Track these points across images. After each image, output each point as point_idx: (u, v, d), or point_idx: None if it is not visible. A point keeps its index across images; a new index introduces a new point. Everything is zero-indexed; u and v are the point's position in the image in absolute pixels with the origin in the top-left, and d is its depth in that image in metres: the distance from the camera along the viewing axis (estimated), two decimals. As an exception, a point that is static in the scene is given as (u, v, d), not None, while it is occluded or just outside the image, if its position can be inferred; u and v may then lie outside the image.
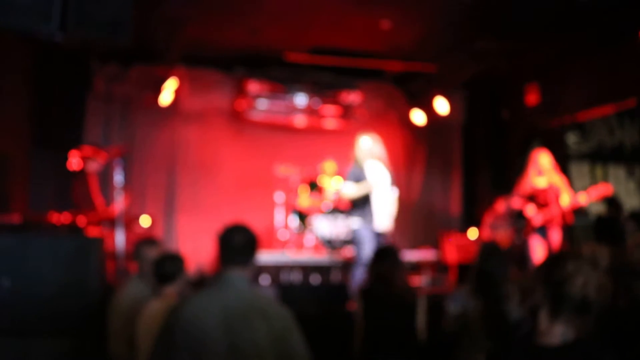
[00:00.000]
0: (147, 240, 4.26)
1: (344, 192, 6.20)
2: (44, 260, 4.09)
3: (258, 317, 2.68)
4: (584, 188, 6.76)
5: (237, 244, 2.86)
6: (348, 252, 7.14)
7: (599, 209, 6.90)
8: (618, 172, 7.20)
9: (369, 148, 6.25)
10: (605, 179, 7.29)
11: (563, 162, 7.35)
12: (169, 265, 3.66)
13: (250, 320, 2.66)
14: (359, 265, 5.93)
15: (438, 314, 4.05)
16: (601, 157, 7.44)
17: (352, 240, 6.37)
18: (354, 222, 6.15)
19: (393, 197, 6.29)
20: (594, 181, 7.34)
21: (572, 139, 7.87)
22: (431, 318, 4.18)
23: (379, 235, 6.07)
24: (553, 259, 2.12)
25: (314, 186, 7.86)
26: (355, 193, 6.07)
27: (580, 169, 7.74)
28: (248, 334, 2.63)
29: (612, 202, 6.42)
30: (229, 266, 2.83)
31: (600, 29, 6.66)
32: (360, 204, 6.11)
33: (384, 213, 6.13)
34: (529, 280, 2.90)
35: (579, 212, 6.55)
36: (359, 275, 5.87)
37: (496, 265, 3.90)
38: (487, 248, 4.12)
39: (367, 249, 5.85)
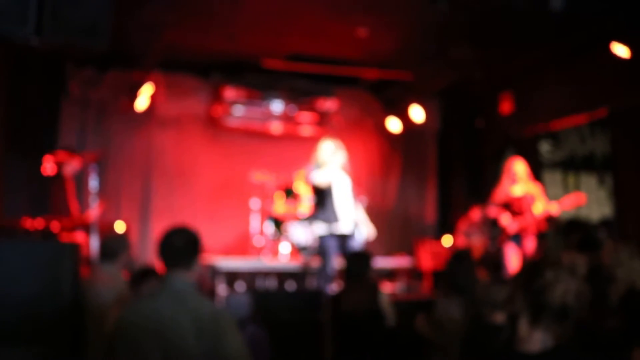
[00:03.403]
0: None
1: (314, 180, 6.17)
2: (17, 266, 4.03)
3: (187, 319, 2.69)
4: (557, 196, 6.86)
5: (176, 246, 2.87)
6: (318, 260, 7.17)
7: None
8: (589, 181, 7.32)
9: (331, 154, 6.30)
10: (577, 187, 7.40)
11: (536, 171, 7.45)
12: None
13: (179, 323, 2.67)
14: (326, 276, 5.98)
15: (411, 319, 4.08)
16: (573, 166, 7.56)
17: (318, 250, 6.37)
18: (318, 228, 6.18)
19: (359, 203, 6.34)
20: (566, 189, 7.44)
21: (545, 147, 7.98)
22: (404, 323, 4.21)
23: (345, 241, 6.11)
24: (532, 266, 2.14)
25: (289, 193, 7.84)
26: (323, 181, 6.08)
27: (552, 177, 7.85)
28: (178, 338, 2.64)
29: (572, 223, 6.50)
30: (171, 269, 2.84)
31: (573, 40, 6.77)
32: (321, 206, 6.15)
33: (346, 215, 6.16)
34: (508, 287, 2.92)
35: (553, 220, 6.65)
36: (323, 285, 5.92)
37: (465, 271, 3.96)
38: (457, 255, 4.20)
39: (332, 261, 5.94)
